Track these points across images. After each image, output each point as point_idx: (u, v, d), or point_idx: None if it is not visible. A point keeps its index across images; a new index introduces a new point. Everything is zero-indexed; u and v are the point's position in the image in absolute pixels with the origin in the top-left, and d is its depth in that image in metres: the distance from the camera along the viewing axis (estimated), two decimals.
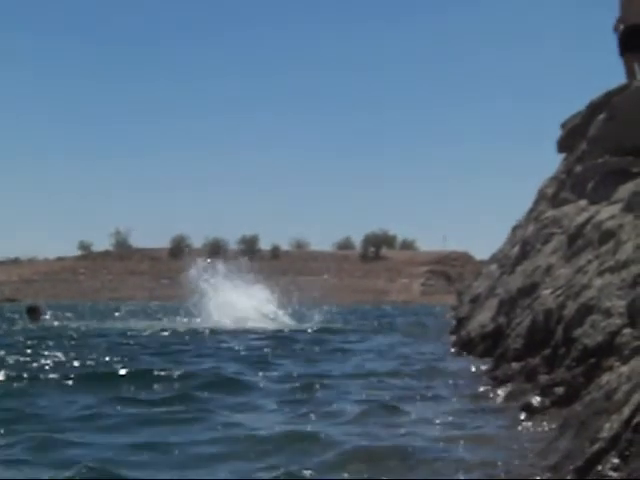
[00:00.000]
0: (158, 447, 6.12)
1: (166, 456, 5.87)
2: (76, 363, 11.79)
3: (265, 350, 14.77)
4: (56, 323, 25.30)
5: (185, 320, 26.46)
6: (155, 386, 9.44)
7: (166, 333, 20.14)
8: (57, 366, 11.37)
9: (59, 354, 12.96)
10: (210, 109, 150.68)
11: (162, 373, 10.27)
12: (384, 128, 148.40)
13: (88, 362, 12.00)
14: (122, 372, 10.34)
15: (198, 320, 25.55)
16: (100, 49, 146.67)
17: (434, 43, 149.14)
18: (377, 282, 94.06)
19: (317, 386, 9.40)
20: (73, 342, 16.65)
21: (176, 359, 12.97)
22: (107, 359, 12.42)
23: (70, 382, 9.58)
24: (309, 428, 6.75)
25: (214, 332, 20.27)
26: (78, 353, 13.23)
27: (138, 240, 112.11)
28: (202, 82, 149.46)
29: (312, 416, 7.41)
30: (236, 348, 15.24)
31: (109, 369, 11.00)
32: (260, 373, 10.92)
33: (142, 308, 43.45)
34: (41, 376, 10.07)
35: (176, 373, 10.23)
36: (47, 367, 11.29)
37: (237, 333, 20.07)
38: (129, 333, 19.89)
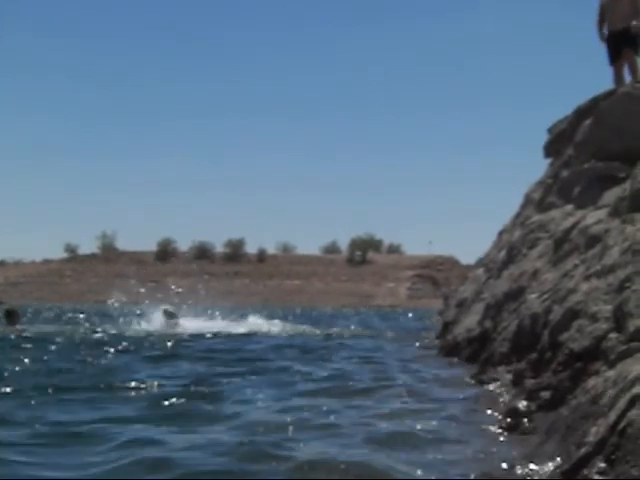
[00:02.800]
0: None
1: None
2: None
3: None
4: (32, 327, 24.99)
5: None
6: None
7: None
8: None
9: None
10: (197, 113, 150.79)
11: None
12: (370, 133, 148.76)
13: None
14: None
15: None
16: (92, 51, 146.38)
17: (421, 52, 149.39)
18: (363, 286, 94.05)
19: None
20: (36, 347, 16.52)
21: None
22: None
23: None
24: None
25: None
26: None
27: (124, 243, 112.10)
28: (189, 86, 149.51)
29: None
30: None
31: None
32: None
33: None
34: None
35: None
36: None
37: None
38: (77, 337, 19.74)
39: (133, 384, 9.96)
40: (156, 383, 9.99)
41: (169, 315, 26.24)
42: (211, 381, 10.31)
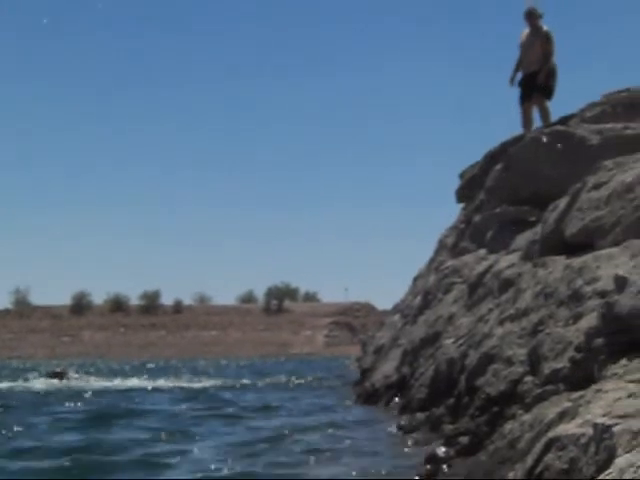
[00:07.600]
0: None
1: None
2: None
3: None
4: None
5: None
6: None
7: None
8: None
9: None
10: (110, 161, 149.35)
11: None
12: (286, 183, 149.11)
13: None
14: None
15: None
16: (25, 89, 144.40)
17: (326, 104, 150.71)
18: (281, 335, 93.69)
19: None
20: None
21: None
22: None
23: None
24: None
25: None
26: None
27: (38, 297, 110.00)
28: (106, 133, 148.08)
29: None
30: None
31: None
32: None
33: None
34: None
35: None
36: None
37: None
38: None
39: None
40: None
41: (57, 375, 28.81)
42: None
